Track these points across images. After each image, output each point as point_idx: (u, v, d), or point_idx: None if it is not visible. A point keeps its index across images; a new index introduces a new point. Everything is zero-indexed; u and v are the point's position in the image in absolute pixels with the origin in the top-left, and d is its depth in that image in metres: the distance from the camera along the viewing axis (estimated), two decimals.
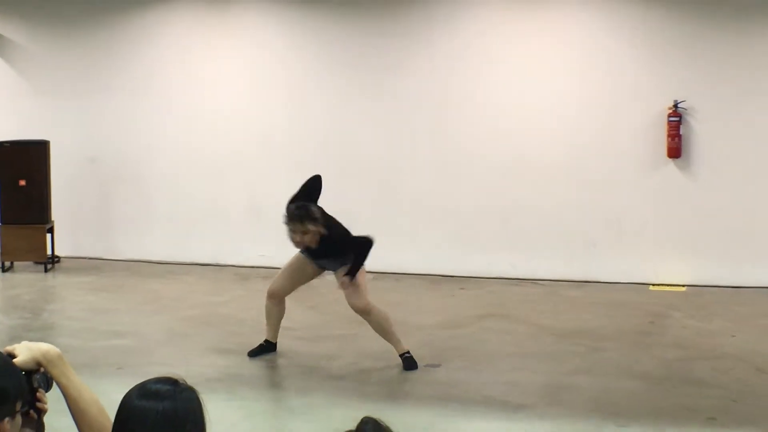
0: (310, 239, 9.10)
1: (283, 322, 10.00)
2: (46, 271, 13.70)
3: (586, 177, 12.93)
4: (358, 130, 13.57)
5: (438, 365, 9.27)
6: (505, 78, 13.11)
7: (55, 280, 13.37)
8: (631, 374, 9.02)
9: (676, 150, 12.60)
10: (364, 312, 9.35)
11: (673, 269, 12.71)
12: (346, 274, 9.16)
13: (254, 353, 9.60)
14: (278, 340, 9.71)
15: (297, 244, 9.24)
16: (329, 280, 12.63)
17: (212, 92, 14.05)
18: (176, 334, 10.40)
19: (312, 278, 9.69)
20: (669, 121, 12.56)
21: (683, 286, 12.62)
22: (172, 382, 3.09)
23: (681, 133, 12.57)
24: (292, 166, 13.51)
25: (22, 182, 13.58)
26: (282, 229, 13.25)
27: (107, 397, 3.38)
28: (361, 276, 9.24)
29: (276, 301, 9.61)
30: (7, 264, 13.77)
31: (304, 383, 8.77)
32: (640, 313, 11.38)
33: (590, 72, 12.87)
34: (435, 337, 10.24)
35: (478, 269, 13.17)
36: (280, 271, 9.76)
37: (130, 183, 14.21)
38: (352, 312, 10.66)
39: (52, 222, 13.90)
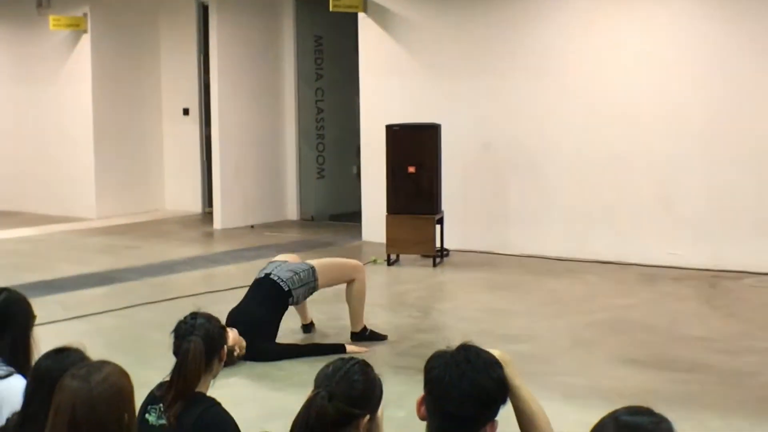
0: None
1: (699, 332, 10.14)
2: (434, 265, 13.48)
3: None
4: None
5: None
6: None
7: (444, 275, 13.16)
8: None
9: None
10: None
11: None
12: None
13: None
14: (697, 354, 9.46)
15: None
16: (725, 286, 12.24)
17: (617, 74, 13.53)
18: (580, 340, 9.92)
19: None
20: None
21: None
22: (649, 412, 3.05)
23: None
24: (706, 153, 13.07)
25: (412, 169, 13.44)
26: (696, 225, 13.00)
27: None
28: None
29: None
30: (393, 257, 13.68)
31: (724, 402, 8.15)
32: None
33: None
34: None
35: None
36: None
37: (525, 172, 13.87)
38: None
39: (442, 212, 13.75)
